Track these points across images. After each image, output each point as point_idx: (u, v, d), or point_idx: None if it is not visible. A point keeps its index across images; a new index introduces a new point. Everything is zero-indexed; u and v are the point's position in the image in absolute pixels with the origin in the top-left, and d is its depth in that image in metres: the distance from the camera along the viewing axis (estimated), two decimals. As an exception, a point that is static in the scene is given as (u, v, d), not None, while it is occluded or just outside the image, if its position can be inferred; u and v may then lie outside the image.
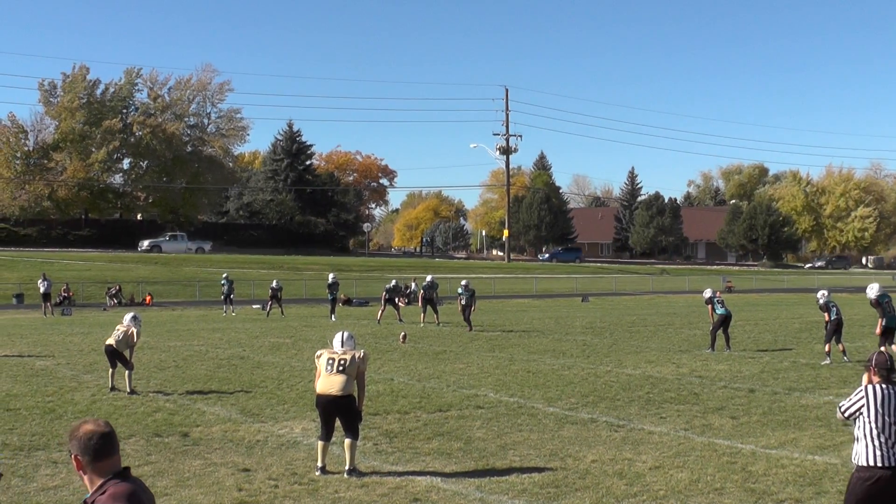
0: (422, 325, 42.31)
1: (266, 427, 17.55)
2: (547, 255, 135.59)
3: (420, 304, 44.98)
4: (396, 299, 45.63)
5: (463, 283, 42.72)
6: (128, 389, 21.33)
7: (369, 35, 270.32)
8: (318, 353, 14.54)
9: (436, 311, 43.75)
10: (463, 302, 40.70)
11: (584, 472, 13.89)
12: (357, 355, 14.02)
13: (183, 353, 30.48)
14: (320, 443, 14.04)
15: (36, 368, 26.61)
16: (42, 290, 52.12)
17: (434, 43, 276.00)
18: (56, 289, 57.17)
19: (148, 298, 61.30)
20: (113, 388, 21.66)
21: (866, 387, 8.89)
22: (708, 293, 31.24)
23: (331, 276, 47.77)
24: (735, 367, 26.80)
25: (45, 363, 27.85)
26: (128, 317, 22.26)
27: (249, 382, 23.63)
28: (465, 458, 14.92)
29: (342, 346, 14.22)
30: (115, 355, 21.64)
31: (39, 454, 15.15)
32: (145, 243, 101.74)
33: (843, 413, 9.02)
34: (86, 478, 5.33)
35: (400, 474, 13.93)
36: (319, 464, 13.96)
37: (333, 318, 44.77)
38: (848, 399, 9.04)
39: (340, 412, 14.07)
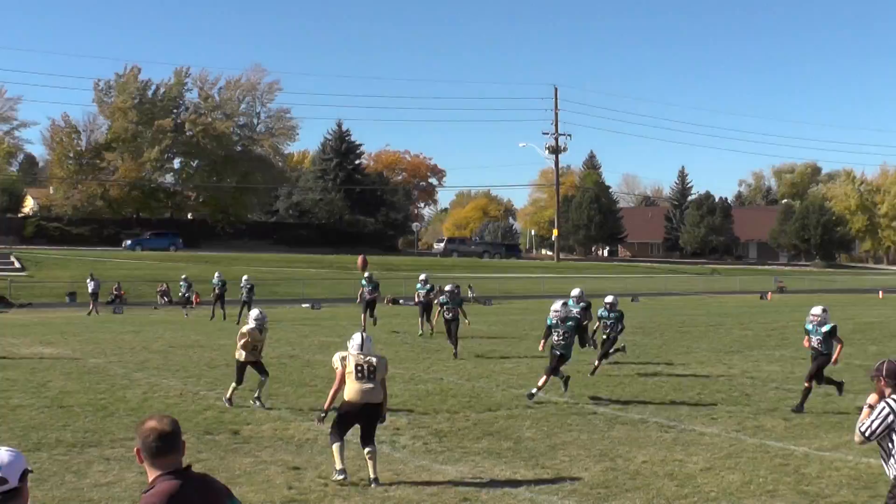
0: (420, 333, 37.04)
1: (316, 425, 17.57)
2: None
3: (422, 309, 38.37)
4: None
5: (448, 287, 34.78)
6: (261, 403, 19.59)
7: (419, 34, 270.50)
8: (340, 355, 14.00)
9: (429, 320, 37.02)
10: (448, 315, 30.73)
11: (635, 473, 13.83)
12: (381, 360, 13.83)
13: (233, 352, 30.54)
14: (336, 444, 13.50)
15: (88, 366, 26.81)
16: (90, 289, 52.51)
17: (483, 42, 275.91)
18: (107, 287, 57.60)
19: (196, 297, 61.56)
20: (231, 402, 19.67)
21: (888, 401, 8.30)
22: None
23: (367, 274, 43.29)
24: (787, 368, 26.61)
25: (97, 361, 28.06)
26: (254, 318, 19.72)
27: (299, 381, 23.71)
28: (514, 458, 14.89)
29: (361, 349, 13.77)
30: (254, 366, 19.64)
31: (92, 451, 15.26)
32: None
33: (865, 435, 8.29)
34: (147, 470, 5.42)
35: (449, 473, 13.92)
36: (339, 465, 13.41)
37: (373, 318, 40.44)
38: (867, 419, 8.33)
39: (369, 420, 13.73)
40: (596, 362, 25.21)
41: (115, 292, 58.81)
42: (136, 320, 45.19)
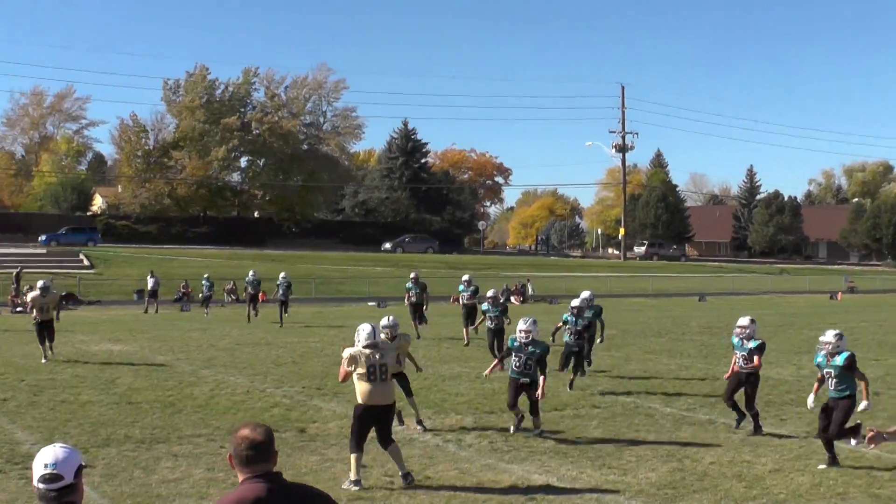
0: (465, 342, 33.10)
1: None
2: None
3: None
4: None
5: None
6: (423, 427, 17.41)
7: (484, 33, 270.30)
8: (349, 352, 13.26)
9: (472, 325, 32.94)
10: (491, 325, 27.77)
11: (702, 474, 13.72)
12: (401, 337, 14.05)
13: (299, 350, 30.74)
14: (354, 455, 13.10)
15: (156, 363, 27.04)
16: (149, 286, 52.91)
17: (550, 39, 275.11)
18: (174, 285, 58.11)
19: (262, 295, 61.85)
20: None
21: None
22: None
23: (413, 273, 38.18)
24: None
25: (165, 358, 28.29)
26: (386, 326, 16.69)
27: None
28: (580, 458, 14.82)
29: (369, 341, 13.12)
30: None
31: (160, 447, 15.38)
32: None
33: None
34: (238, 476, 5.50)
35: (515, 472, 13.88)
36: (354, 476, 13.01)
37: (423, 321, 36.07)
38: None
39: (383, 422, 13.39)
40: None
41: (181, 290, 59.23)
42: (202, 318, 45.50)
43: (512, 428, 16.79)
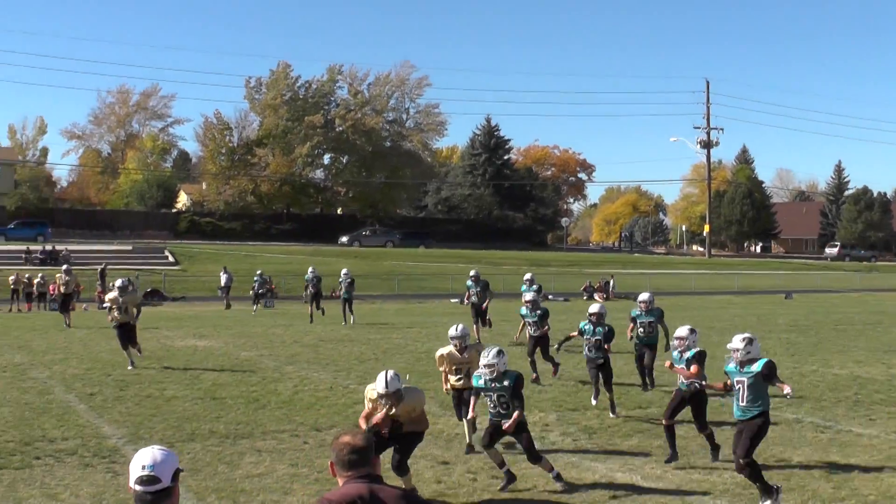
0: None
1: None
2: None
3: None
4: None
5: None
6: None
7: (565, 29, 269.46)
8: (370, 394, 12.34)
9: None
10: (533, 332, 24.07)
11: (790, 474, 13.52)
12: (414, 394, 12.32)
13: (382, 346, 30.79)
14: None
15: (240, 359, 27.23)
16: (222, 282, 53.30)
17: (634, 35, 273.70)
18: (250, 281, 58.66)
19: (334, 292, 62.11)
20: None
21: None
22: None
23: (473, 271, 35.38)
24: (949, 368, 25.77)
25: (249, 354, 28.48)
26: (455, 337, 15.91)
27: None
28: (665, 456, 14.66)
29: (386, 389, 11.93)
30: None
31: (244, 442, 15.46)
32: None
33: None
34: (339, 483, 5.54)
35: (599, 470, 13.76)
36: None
37: (487, 322, 33.59)
38: None
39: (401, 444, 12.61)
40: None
41: (266, 286, 59.64)
42: (287, 314, 45.78)
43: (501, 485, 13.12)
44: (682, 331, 15.33)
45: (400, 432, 12.15)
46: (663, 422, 14.85)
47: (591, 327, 19.11)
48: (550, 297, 63.53)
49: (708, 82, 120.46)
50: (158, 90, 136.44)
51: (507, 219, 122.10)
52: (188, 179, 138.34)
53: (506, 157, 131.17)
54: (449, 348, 15.77)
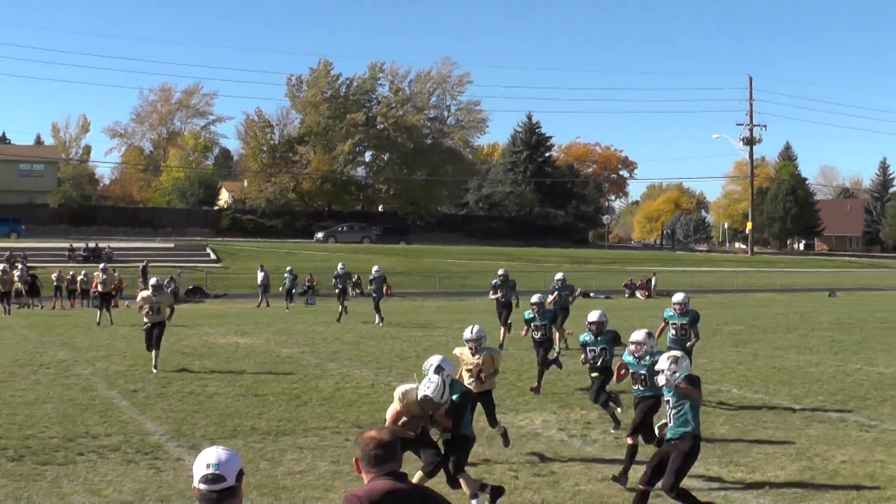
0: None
1: (506, 418, 17.49)
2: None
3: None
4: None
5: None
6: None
7: (606, 25, 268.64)
8: (407, 394, 11.30)
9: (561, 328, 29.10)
10: (536, 335, 22.00)
11: (833, 473, 13.40)
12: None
13: (423, 344, 30.77)
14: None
15: (282, 356, 27.30)
16: (259, 280, 53.39)
17: (675, 31, 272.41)
18: (300, 280, 58.69)
19: (387, 289, 62.21)
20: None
21: None
22: None
23: (501, 270, 33.21)
24: None
25: (291, 351, 28.55)
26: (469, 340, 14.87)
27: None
28: (707, 455, 14.56)
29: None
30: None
31: (286, 439, 15.50)
32: None
33: None
34: (363, 476, 5.54)
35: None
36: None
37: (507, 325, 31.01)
38: None
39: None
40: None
41: (307, 284, 59.83)
42: (328, 311, 45.83)
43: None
44: (639, 335, 13.64)
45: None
46: (628, 440, 13.52)
47: (592, 336, 16.93)
48: (592, 294, 63.41)
49: (751, 79, 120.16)
50: (200, 88, 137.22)
51: (548, 216, 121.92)
52: (230, 177, 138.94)
53: (547, 155, 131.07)
54: (463, 349, 15.01)
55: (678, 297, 19.40)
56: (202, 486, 4.95)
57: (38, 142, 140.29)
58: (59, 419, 17.20)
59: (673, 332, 19.07)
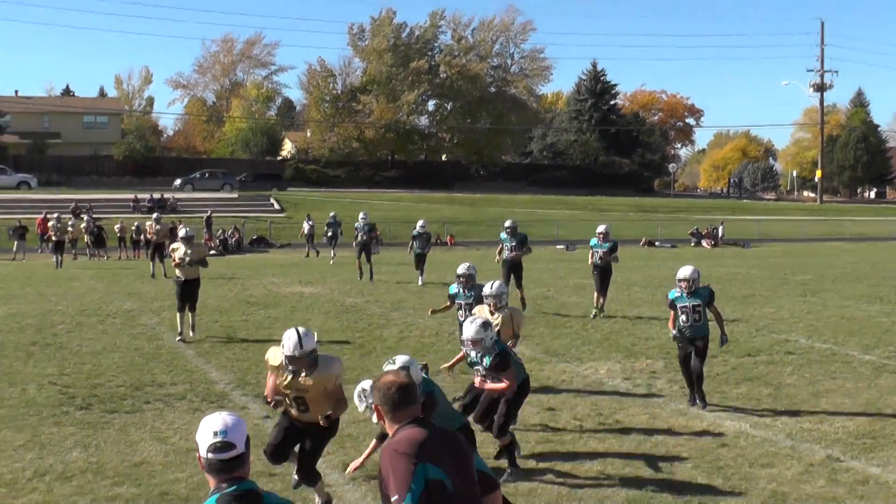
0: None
1: (571, 367, 17.44)
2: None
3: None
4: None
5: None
6: None
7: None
8: (274, 358, 9.95)
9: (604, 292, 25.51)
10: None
11: (909, 423, 13.19)
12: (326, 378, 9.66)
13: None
14: None
15: (346, 305, 27.34)
16: (305, 230, 53.25)
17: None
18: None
19: (450, 238, 62.27)
20: None
21: None
22: None
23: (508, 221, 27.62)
24: None
25: (355, 301, 28.59)
26: (489, 296, 13.94)
27: (554, 322, 23.60)
28: (774, 405, 14.43)
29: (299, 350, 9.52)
30: None
31: (350, 388, 15.45)
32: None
33: None
34: (387, 426, 5.43)
35: (707, 418, 13.57)
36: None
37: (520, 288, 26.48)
38: None
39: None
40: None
41: (338, 229, 59.88)
42: (392, 260, 45.88)
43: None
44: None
45: (307, 420, 9.81)
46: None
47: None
48: (657, 243, 63.03)
49: (822, 23, 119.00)
50: (262, 38, 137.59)
51: (613, 165, 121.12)
52: (293, 127, 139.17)
53: (612, 103, 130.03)
54: (482, 307, 14.01)
55: (684, 271, 14.87)
56: (210, 456, 4.75)
57: (102, 94, 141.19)
58: (126, 368, 17.34)
59: (684, 317, 14.49)
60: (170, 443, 12.31)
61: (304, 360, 9.46)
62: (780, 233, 73.32)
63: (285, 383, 9.67)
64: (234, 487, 4.67)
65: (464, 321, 14.33)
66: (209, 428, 4.79)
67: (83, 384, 15.97)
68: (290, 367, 9.57)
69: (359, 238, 36.84)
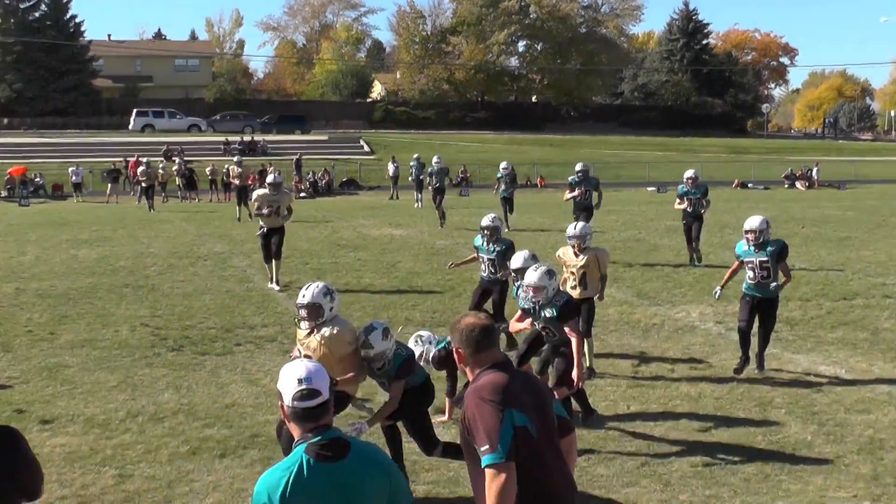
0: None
1: (662, 310, 17.26)
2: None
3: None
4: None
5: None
6: None
7: None
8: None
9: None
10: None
11: None
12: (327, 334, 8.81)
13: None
14: None
15: (436, 248, 27.30)
16: (390, 172, 53.12)
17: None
18: (453, 171, 58.62)
19: (540, 180, 61.99)
20: None
21: None
22: None
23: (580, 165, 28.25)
24: None
25: (445, 243, 28.54)
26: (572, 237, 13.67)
27: (645, 264, 23.38)
28: (871, 350, 14.16)
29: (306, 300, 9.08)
30: None
31: (441, 330, 15.46)
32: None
33: None
34: (467, 370, 5.31)
35: (801, 363, 13.35)
36: None
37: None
38: None
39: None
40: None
41: (461, 175, 59.86)
42: (483, 202, 45.77)
43: None
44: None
45: None
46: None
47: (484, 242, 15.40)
48: (750, 185, 62.23)
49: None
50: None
51: (705, 105, 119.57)
52: (382, 69, 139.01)
53: (704, 42, 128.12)
54: (566, 249, 13.60)
55: (752, 221, 13.28)
56: (296, 404, 4.62)
57: (193, 37, 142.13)
58: (217, 310, 17.47)
59: (750, 273, 13.09)
60: (260, 385, 12.39)
61: (310, 313, 8.85)
62: (877, 174, 71.90)
63: (299, 338, 9.12)
64: (321, 437, 4.59)
65: (486, 276, 15.04)
66: (292, 375, 4.68)
67: (175, 326, 16.13)
68: (295, 318, 9.20)
69: (433, 183, 36.20)
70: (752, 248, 12.99)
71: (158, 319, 16.68)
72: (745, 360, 12.81)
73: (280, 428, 8.70)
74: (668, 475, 9.22)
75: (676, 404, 11.59)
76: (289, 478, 4.42)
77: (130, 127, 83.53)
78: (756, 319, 13.02)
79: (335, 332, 8.55)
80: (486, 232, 14.95)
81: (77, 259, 25.07)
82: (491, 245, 15.10)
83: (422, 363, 10.10)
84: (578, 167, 26.73)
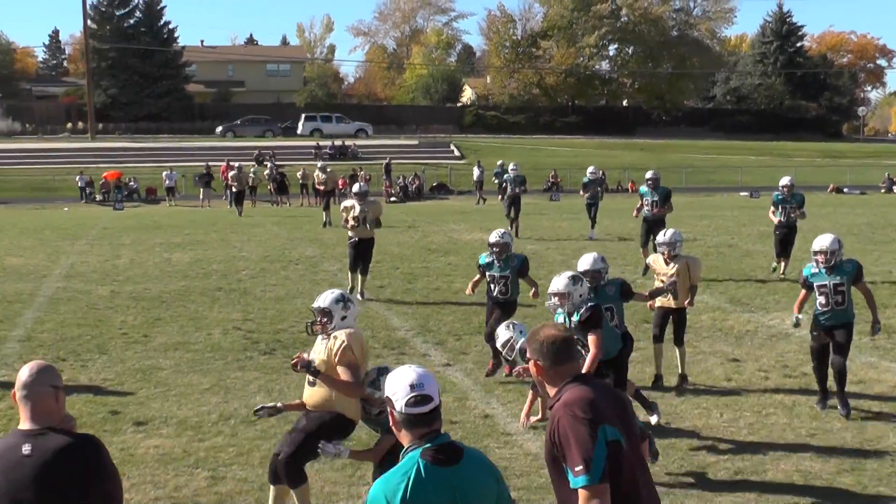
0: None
1: (756, 317, 17.05)
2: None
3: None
4: None
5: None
6: None
7: None
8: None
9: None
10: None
11: None
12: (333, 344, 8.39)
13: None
14: None
15: (526, 252, 27.15)
16: (475, 176, 52.99)
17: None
18: (543, 175, 58.37)
19: (631, 185, 61.61)
20: None
21: None
22: None
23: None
24: None
25: (535, 247, 28.47)
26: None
27: (738, 271, 23.12)
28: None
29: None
30: None
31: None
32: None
33: None
34: (546, 383, 5.19)
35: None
36: None
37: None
38: None
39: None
40: None
41: (551, 180, 59.72)
42: (573, 208, 45.59)
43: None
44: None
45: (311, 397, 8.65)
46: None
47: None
48: (846, 189, 61.34)
49: None
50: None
51: (799, 109, 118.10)
52: (472, 73, 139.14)
53: (798, 45, 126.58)
54: (657, 257, 13.39)
55: (822, 241, 11.98)
56: (410, 411, 4.62)
57: (284, 42, 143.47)
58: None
59: (822, 298, 11.85)
60: (351, 389, 12.40)
61: (321, 318, 8.60)
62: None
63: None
64: (434, 442, 4.60)
65: (495, 294, 14.03)
66: (403, 381, 4.68)
67: (267, 329, 16.24)
68: (307, 322, 8.98)
69: (508, 191, 33.92)
70: (824, 270, 11.83)
71: (250, 323, 16.82)
72: (825, 395, 11.79)
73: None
74: (762, 485, 9.10)
75: (770, 412, 11.44)
76: (407, 482, 4.44)
77: (299, 132, 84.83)
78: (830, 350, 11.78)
79: (341, 339, 8.30)
80: (495, 249, 13.80)
81: (170, 262, 25.38)
82: (502, 263, 14.03)
83: (505, 350, 10.27)
84: (648, 175, 25.21)
